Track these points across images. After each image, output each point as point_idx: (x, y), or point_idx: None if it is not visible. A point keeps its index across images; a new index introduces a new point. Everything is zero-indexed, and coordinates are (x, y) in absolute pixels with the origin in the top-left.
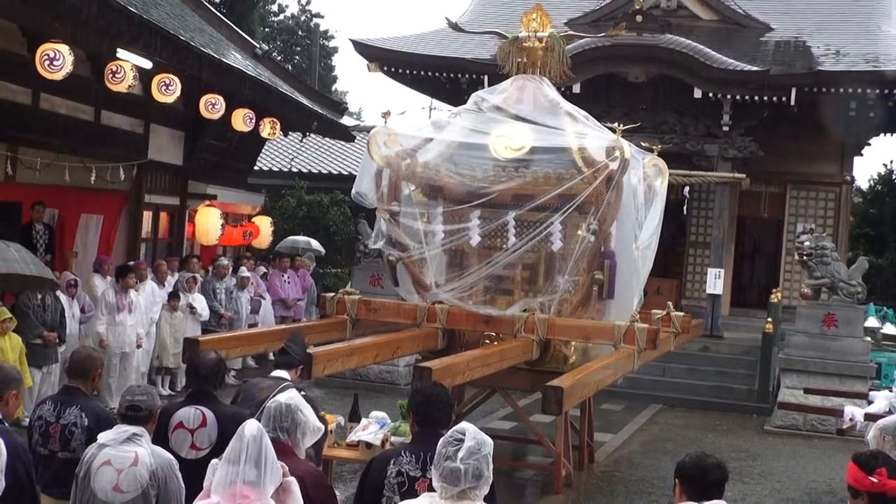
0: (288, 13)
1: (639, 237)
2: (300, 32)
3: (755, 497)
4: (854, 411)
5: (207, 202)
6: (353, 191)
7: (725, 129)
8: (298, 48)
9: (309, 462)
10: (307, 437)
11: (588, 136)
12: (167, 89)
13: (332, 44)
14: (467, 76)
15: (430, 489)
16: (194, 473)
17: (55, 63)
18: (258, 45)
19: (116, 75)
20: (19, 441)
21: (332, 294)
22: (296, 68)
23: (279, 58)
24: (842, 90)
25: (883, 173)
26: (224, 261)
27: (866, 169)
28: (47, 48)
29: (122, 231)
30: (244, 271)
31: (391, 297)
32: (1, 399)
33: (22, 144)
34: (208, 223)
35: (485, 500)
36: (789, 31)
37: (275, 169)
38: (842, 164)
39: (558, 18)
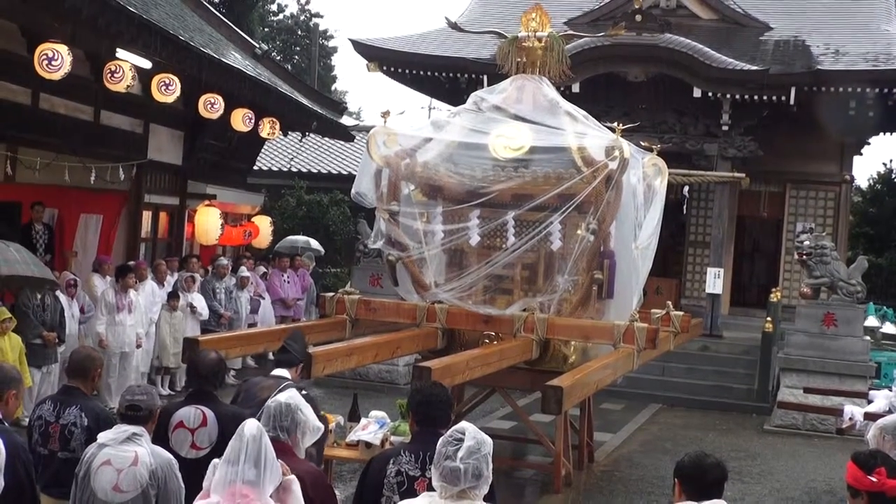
0: (287, 13)
1: (638, 237)
2: (299, 32)
3: (755, 496)
4: (854, 410)
5: (207, 202)
6: (353, 190)
7: (725, 128)
8: (298, 48)
9: (309, 462)
10: (307, 436)
11: (587, 135)
12: (167, 89)
13: (331, 43)
14: (467, 76)
15: (430, 489)
16: (194, 473)
17: (54, 63)
18: (257, 45)
19: (115, 75)
20: (19, 441)
21: (331, 294)
22: (295, 68)
23: (278, 57)
24: (841, 89)
25: (882, 172)
26: (224, 260)
27: (866, 168)
28: (46, 48)
29: (121, 231)
30: (244, 271)
31: (391, 297)
32: (1, 399)
33: (21, 144)
34: (208, 223)
35: (484, 499)
36: (789, 30)
37: (274, 169)
38: (841, 163)
39: (557, 18)
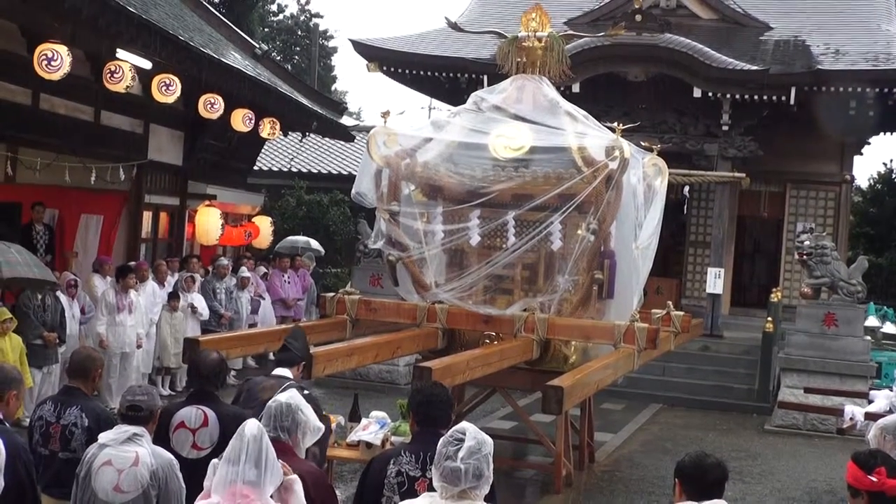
0: (287, 13)
1: (639, 237)
2: (299, 32)
3: (755, 496)
4: (854, 410)
5: (207, 202)
6: (353, 191)
7: (725, 128)
8: (298, 48)
9: (310, 462)
10: (307, 436)
11: (588, 135)
12: (167, 89)
13: (331, 44)
14: (467, 76)
15: (430, 489)
16: (196, 473)
17: (53, 63)
18: (257, 45)
19: (115, 75)
20: (20, 441)
21: (331, 294)
22: (295, 68)
23: (278, 58)
24: (841, 89)
25: (883, 172)
26: (224, 261)
27: (866, 168)
28: (45, 48)
29: (122, 231)
30: (244, 271)
31: (391, 297)
32: (1, 399)
33: (22, 145)
34: (208, 223)
35: (485, 499)
36: (789, 30)
37: (274, 169)
38: (841, 163)
39: (557, 18)
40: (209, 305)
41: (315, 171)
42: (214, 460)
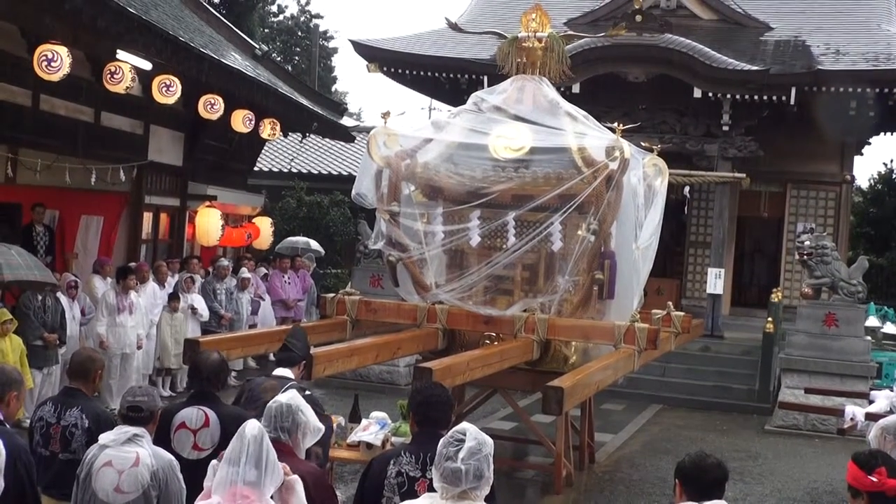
0: (287, 14)
1: (639, 237)
2: (300, 33)
3: (756, 497)
4: (855, 411)
5: (207, 203)
6: (353, 191)
7: (725, 128)
8: (298, 49)
9: (309, 462)
10: (307, 437)
11: (588, 136)
12: (168, 90)
13: (331, 44)
14: (467, 76)
15: (430, 489)
16: (197, 474)
17: (53, 64)
18: (258, 46)
19: (115, 76)
20: (20, 442)
21: (332, 295)
22: (295, 69)
23: (279, 58)
24: (842, 89)
25: (883, 172)
26: (224, 262)
27: (866, 168)
28: (45, 49)
29: (122, 232)
30: (245, 272)
31: (391, 298)
32: (2, 400)
33: (22, 146)
34: (208, 224)
35: (485, 500)
36: (789, 30)
37: (275, 170)
38: (842, 163)
39: (557, 18)
40: (209, 306)
41: (315, 171)
42: (214, 461)
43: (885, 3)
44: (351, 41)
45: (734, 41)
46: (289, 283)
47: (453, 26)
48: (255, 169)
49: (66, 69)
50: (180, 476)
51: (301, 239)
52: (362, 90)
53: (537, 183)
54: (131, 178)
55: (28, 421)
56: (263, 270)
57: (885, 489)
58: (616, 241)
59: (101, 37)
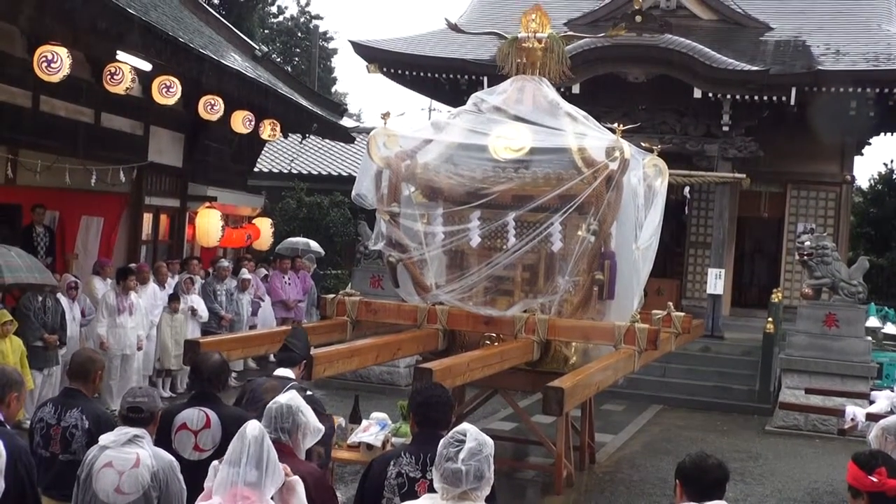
0: (287, 15)
1: (639, 237)
2: (299, 34)
3: (756, 497)
4: (855, 411)
5: (207, 204)
6: (353, 192)
7: (725, 128)
8: (298, 50)
9: (310, 463)
10: (308, 438)
11: (588, 136)
12: (168, 91)
13: (331, 45)
14: (467, 77)
15: (431, 490)
16: (198, 475)
17: (53, 65)
18: (257, 47)
19: (115, 77)
20: (20, 444)
21: (332, 295)
22: (295, 70)
23: (278, 59)
24: (842, 89)
25: (883, 173)
26: (224, 262)
27: (867, 168)
28: (45, 50)
29: (122, 233)
30: (245, 273)
31: (391, 299)
32: (2, 401)
33: (22, 147)
34: (208, 225)
35: (486, 500)
36: (789, 30)
37: (275, 171)
38: (842, 163)
39: (557, 19)
40: (210, 307)
41: (315, 172)
42: (215, 462)
43: (885, 4)
44: (351, 42)
45: (734, 41)
46: (289, 284)
47: (453, 27)
48: (255, 170)
49: (66, 70)
50: (181, 477)
51: (301, 240)
52: (362, 91)
53: (537, 183)
54: (131, 179)
55: (28, 422)
56: (263, 271)
57: (885, 489)
58: (616, 241)
59: (100, 38)
